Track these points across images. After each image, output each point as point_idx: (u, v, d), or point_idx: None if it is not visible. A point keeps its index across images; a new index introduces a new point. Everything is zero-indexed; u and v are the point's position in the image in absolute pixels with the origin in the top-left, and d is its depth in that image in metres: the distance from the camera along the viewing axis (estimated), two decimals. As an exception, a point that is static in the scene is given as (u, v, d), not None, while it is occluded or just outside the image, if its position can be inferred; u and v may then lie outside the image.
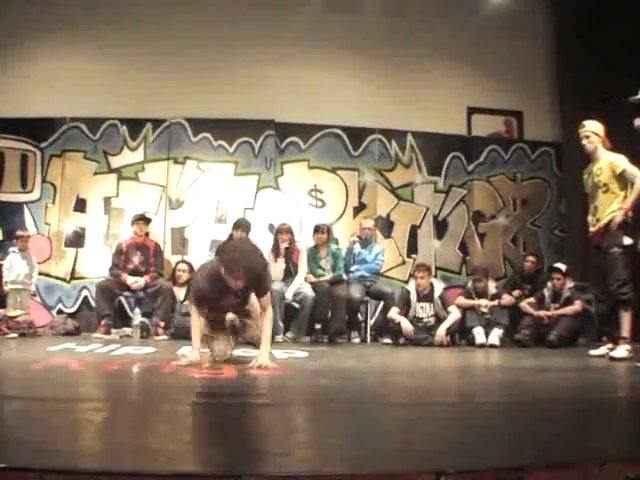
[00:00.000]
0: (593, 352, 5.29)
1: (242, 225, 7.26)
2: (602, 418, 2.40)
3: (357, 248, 7.52)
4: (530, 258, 7.81)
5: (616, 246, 4.96)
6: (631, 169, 4.99)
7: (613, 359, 4.82)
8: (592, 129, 5.25)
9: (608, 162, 5.09)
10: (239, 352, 4.95)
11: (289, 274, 7.14)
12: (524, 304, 7.17)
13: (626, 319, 4.92)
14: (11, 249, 7.34)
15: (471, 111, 8.79)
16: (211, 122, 8.22)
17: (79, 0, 8.31)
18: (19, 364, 4.15)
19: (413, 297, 6.93)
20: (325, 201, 8.34)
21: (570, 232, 8.31)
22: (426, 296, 6.92)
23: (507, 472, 1.53)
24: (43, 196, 8.09)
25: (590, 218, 5.27)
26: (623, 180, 5.03)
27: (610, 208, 5.03)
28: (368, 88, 8.52)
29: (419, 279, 6.95)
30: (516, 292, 7.47)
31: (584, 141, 5.27)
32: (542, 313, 6.99)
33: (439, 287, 7.04)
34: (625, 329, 4.93)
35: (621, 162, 5.05)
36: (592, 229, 5.23)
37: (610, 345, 5.14)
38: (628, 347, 4.86)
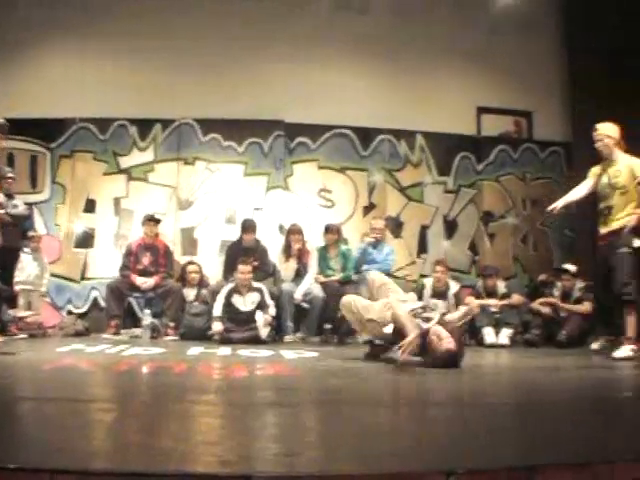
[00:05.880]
0: (594, 346, 5.76)
1: (251, 227, 7.31)
2: (612, 418, 2.39)
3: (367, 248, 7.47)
4: None
5: (626, 247, 5.00)
6: None
7: (616, 359, 4.83)
8: (606, 132, 5.20)
9: (628, 166, 5.09)
10: (248, 352, 4.97)
11: (299, 274, 7.16)
12: (535, 304, 7.16)
13: (630, 319, 4.95)
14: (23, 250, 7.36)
15: (480, 111, 8.75)
16: (220, 122, 8.21)
17: (88, 1, 8.34)
18: (29, 365, 4.18)
19: (427, 292, 6.91)
20: (334, 201, 8.33)
21: (580, 232, 8.20)
22: (441, 293, 6.92)
23: (518, 472, 1.52)
24: (53, 197, 8.13)
25: (600, 218, 5.26)
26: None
27: (625, 210, 5.06)
28: (377, 88, 8.51)
29: (439, 273, 6.96)
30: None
31: (599, 144, 5.23)
32: (552, 300, 7.04)
33: (455, 286, 7.05)
34: (629, 329, 4.95)
35: None
36: (603, 229, 5.21)
37: (607, 337, 5.46)
38: (633, 347, 4.87)
